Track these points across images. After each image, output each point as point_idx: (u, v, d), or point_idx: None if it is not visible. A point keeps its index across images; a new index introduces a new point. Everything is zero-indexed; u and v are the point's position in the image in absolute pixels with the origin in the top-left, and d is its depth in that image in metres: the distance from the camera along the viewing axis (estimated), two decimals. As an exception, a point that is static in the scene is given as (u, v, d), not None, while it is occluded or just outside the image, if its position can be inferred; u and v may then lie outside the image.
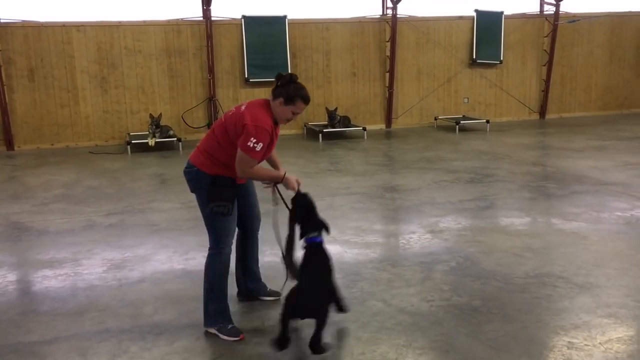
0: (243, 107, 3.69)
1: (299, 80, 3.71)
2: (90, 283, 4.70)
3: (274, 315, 3.98)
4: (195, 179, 3.73)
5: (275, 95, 3.66)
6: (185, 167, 3.79)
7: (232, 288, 3.97)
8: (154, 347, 3.62)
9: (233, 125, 3.62)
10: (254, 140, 3.51)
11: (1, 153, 11.46)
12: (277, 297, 4.17)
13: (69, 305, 4.28)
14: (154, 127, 11.18)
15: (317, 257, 3.70)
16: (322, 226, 3.79)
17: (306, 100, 3.69)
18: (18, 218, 6.71)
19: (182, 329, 3.85)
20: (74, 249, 5.52)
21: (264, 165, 3.84)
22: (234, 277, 4.13)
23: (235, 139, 3.59)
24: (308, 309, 3.42)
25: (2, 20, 11.51)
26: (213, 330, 3.75)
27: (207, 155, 3.71)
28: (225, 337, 3.71)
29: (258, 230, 4.15)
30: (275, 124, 3.73)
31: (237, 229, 3.97)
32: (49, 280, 4.80)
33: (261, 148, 3.54)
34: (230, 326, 3.76)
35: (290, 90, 3.62)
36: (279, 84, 3.67)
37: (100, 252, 5.42)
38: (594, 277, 4.52)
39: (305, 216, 3.79)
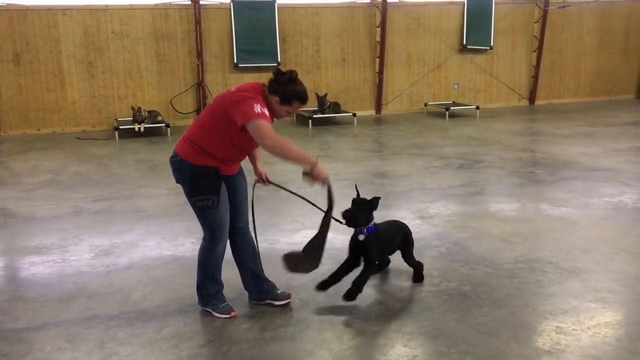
0: (233, 88, 3.54)
1: (298, 78, 3.52)
2: (78, 269, 4.66)
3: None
4: (180, 169, 3.59)
5: (271, 90, 3.49)
6: (171, 157, 3.67)
7: (227, 273, 3.93)
8: (142, 333, 3.60)
9: (221, 102, 3.47)
10: (258, 106, 3.30)
11: (-13, 139, 11.32)
12: (289, 300, 3.96)
13: (56, 292, 4.24)
14: (138, 117, 11.04)
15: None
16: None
17: (304, 100, 3.53)
18: (4, 204, 6.63)
19: (171, 315, 3.83)
20: (61, 235, 5.47)
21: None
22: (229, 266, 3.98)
23: (222, 117, 3.42)
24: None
25: (-14, 4, 11.32)
26: (208, 309, 3.82)
27: (190, 143, 3.56)
28: (218, 315, 3.78)
29: (247, 224, 3.88)
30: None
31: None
32: (36, 266, 4.75)
33: (268, 113, 3.36)
34: (222, 305, 3.81)
35: (288, 90, 3.46)
36: (277, 79, 3.49)
37: (87, 239, 5.37)
38: (583, 262, 4.54)
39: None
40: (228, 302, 3.85)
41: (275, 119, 3.59)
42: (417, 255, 4.73)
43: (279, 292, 3.98)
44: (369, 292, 4.08)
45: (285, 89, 3.46)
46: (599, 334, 3.46)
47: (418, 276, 4.28)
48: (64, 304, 4.05)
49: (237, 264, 3.95)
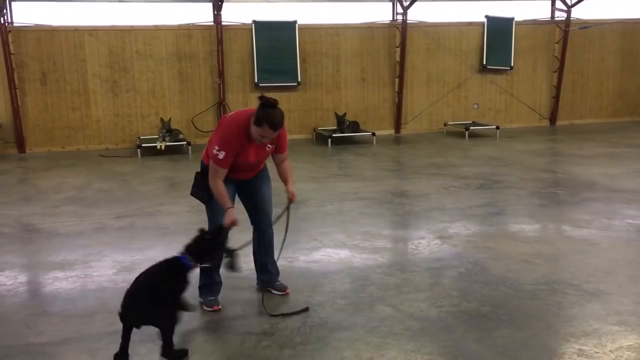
0: (231, 114, 4.05)
1: (278, 106, 3.79)
2: (101, 285, 4.73)
3: (284, 319, 3.99)
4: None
5: (254, 115, 3.80)
6: None
7: (247, 293, 3.98)
8: (163, 349, 3.63)
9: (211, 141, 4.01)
10: (217, 148, 3.84)
11: (13, 155, 11.56)
12: (283, 293, 4.40)
13: (79, 307, 4.31)
14: (164, 131, 11.25)
15: (169, 274, 3.56)
16: (202, 260, 3.72)
17: (273, 127, 3.77)
18: (29, 220, 6.76)
19: (191, 331, 3.86)
20: (85, 251, 5.55)
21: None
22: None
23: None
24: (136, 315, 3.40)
25: (15, 24, 11.64)
26: (200, 299, 4.22)
27: (205, 151, 4.12)
28: (205, 307, 4.18)
29: (268, 228, 4.30)
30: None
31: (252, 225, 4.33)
32: (59, 281, 4.83)
33: (224, 157, 3.83)
34: (210, 298, 4.19)
35: (260, 114, 3.75)
36: (259, 104, 3.79)
37: (110, 255, 5.45)
38: (605, 284, 4.49)
39: (204, 242, 3.72)
40: (217, 298, 4.20)
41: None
42: (436, 276, 4.73)
43: (278, 283, 4.43)
44: (387, 311, 4.08)
45: (259, 113, 3.77)
46: (622, 357, 3.42)
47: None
48: (87, 319, 4.10)
49: (254, 255, 4.42)
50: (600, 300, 4.20)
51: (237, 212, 3.94)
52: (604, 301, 4.18)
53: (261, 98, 3.81)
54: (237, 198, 4.21)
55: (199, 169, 4.20)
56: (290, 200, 4.18)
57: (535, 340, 3.65)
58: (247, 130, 3.83)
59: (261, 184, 4.25)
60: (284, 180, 4.19)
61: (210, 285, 4.22)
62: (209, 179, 3.90)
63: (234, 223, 3.83)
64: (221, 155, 3.81)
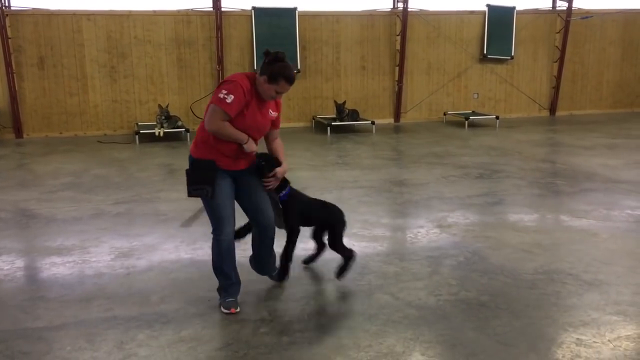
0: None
1: (286, 60, 3.68)
2: (98, 271, 4.71)
3: (282, 307, 4.00)
4: (188, 163, 3.91)
5: (261, 71, 3.67)
6: None
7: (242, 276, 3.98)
8: (160, 335, 3.62)
9: (214, 94, 3.70)
10: (225, 92, 3.57)
11: (10, 141, 11.51)
12: (278, 282, 4.35)
13: (76, 292, 4.29)
14: (163, 117, 11.20)
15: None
16: (285, 180, 4.11)
17: (289, 80, 3.68)
18: (26, 205, 6.73)
19: (189, 317, 3.85)
20: (82, 237, 5.53)
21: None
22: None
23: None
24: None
25: (12, 8, 11.54)
26: (218, 301, 4.00)
27: (196, 139, 3.86)
28: (222, 309, 3.92)
29: (269, 227, 4.04)
30: (263, 99, 3.77)
31: (251, 223, 4.14)
32: (57, 267, 4.81)
33: (232, 101, 3.56)
34: (228, 299, 3.93)
35: (275, 69, 3.62)
36: (266, 61, 3.67)
37: (108, 241, 5.43)
38: (603, 274, 4.48)
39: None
40: (236, 300, 3.95)
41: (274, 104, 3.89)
42: (435, 265, 4.73)
43: (275, 273, 4.33)
44: (386, 300, 4.08)
45: (272, 68, 3.63)
46: (620, 347, 3.41)
47: (341, 268, 4.31)
48: (84, 304, 4.09)
49: (252, 249, 4.25)
50: (598, 290, 4.19)
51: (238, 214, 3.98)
52: (602, 291, 4.18)
53: (268, 53, 3.68)
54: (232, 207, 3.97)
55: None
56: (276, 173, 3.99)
57: (534, 330, 3.65)
58: (254, 83, 3.69)
59: (258, 181, 3.97)
60: (280, 155, 4.07)
61: (229, 287, 3.96)
62: (209, 124, 3.63)
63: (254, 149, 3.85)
64: (229, 99, 3.55)
